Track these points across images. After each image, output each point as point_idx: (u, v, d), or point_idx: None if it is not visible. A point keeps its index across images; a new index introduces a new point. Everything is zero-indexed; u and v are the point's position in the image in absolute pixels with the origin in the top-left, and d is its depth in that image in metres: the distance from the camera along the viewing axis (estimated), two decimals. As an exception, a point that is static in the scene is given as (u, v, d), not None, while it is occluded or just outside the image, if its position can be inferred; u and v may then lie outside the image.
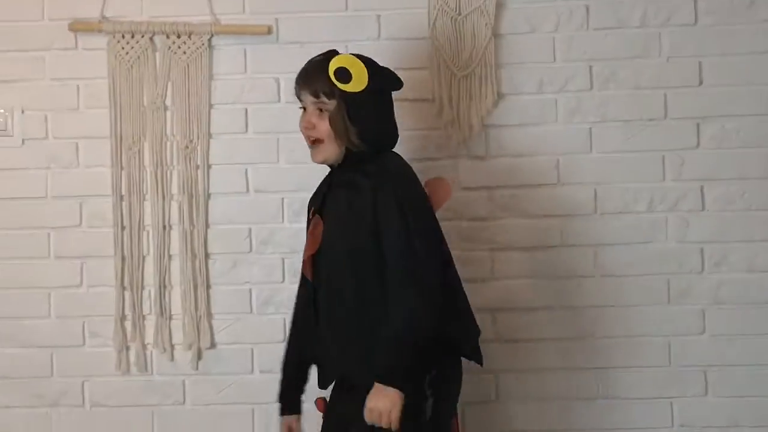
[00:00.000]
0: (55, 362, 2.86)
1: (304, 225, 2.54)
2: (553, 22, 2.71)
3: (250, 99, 2.83)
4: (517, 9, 2.71)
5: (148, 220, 2.85)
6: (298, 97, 2.37)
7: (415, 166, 2.57)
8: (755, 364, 2.63)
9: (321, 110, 2.31)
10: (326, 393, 2.36)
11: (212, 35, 2.79)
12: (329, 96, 2.29)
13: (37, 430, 2.84)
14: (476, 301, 2.60)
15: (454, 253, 2.64)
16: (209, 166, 2.84)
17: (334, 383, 2.35)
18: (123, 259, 2.85)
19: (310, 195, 2.48)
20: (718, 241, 2.64)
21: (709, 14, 2.65)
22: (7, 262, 2.87)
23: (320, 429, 2.39)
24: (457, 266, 2.47)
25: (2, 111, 2.86)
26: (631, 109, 2.67)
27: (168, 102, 2.85)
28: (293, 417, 2.43)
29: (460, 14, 2.69)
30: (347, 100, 2.28)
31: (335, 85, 2.28)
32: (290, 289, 2.71)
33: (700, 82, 2.63)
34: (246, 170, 2.84)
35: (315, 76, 2.33)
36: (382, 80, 2.32)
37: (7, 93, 2.87)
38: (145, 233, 2.87)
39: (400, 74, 2.42)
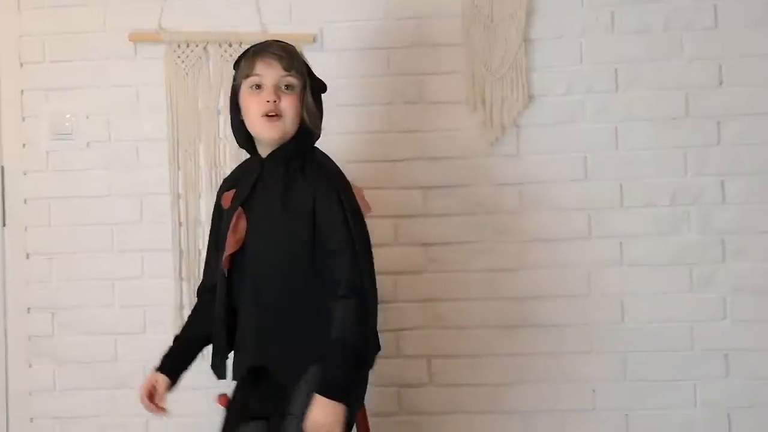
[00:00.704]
0: (118, 348, 2.96)
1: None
2: (580, 28, 2.78)
3: None
4: (546, 15, 2.78)
5: (203, 216, 2.90)
6: (249, 73, 2.25)
7: (449, 164, 2.70)
8: (773, 348, 2.71)
9: (286, 86, 2.25)
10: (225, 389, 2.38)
11: None
12: (300, 73, 2.26)
13: (103, 411, 2.95)
14: (506, 291, 2.74)
15: (486, 245, 2.78)
16: None
17: (241, 378, 2.26)
18: (180, 252, 2.93)
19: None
20: (738, 232, 2.71)
21: (728, 18, 2.71)
22: (74, 255, 2.96)
23: (223, 421, 2.29)
24: (489, 257, 2.61)
25: (68, 116, 2.95)
26: (655, 109, 2.73)
27: (221, 106, 2.91)
28: (163, 376, 2.33)
29: (492, 21, 2.76)
30: (312, 81, 2.30)
31: (306, 65, 2.29)
32: None
33: (720, 82, 2.70)
34: None
35: (291, 53, 2.29)
36: (321, 81, 2.33)
37: (72, 99, 2.97)
38: (200, 228, 2.92)
39: (435, 78, 2.58)
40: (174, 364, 2.35)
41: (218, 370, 2.27)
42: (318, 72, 2.80)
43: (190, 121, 2.93)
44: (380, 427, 2.74)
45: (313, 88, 2.29)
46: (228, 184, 2.37)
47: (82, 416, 2.96)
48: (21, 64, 2.97)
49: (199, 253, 2.90)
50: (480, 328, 2.76)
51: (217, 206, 2.37)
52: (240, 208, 2.23)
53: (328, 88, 2.58)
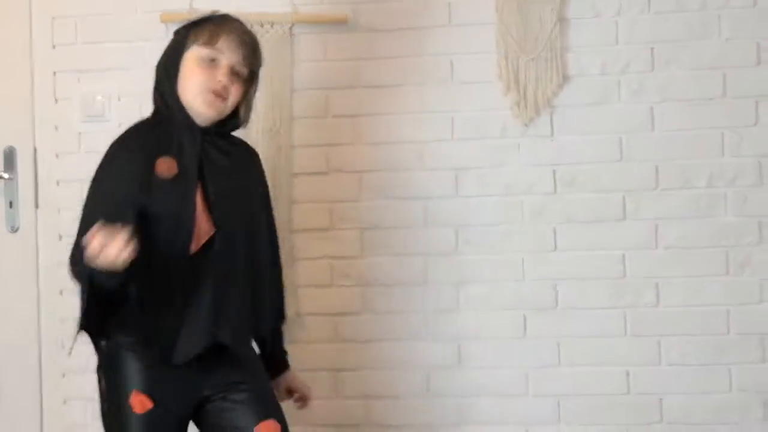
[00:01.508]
0: None
1: (379, 203, 2.68)
2: (616, 7, 2.74)
3: (329, 84, 2.88)
4: None
5: None
6: (209, 44, 2.18)
7: (480, 144, 2.69)
8: (811, 330, 2.68)
9: (237, 74, 2.21)
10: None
11: (293, 24, 2.84)
12: (254, 69, 2.26)
13: None
14: (542, 272, 2.72)
15: (520, 227, 2.76)
16: (292, 147, 2.89)
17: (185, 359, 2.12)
18: None
19: (386, 174, 2.64)
20: (777, 214, 2.68)
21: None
22: None
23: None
24: (524, 240, 2.60)
25: (100, 98, 2.94)
26: (691, 89, 2.70)
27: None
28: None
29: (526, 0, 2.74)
30: (256, 82, 2.30)
31: (259, 63, 2.28)
32: (364, 262, 2.83)
33: (758, 62, 2.66)
34: (327, 153, 2.89)
35: (255, 44, 2.27)
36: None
37: (104, 81, 2.95)
38: None
39: (468, 58, 2.62)
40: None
41: (169, 353, 2.10)
42: (349, 53, 2.85)
43: None
44: (408, 408, 2.78)
45: (256, 86, 2.30)
46: (153, 148, 2.17)
47: None
48: (54, 46, 2.96)
49: None
50: (512, 310, 2.75)
51: (139, 169, 2.14)
52: (199, 182, 2.13)
53: (362, 69, 2.61)
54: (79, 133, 2.96)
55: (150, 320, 2.09)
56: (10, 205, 2.97)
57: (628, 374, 2.74)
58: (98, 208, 2.12)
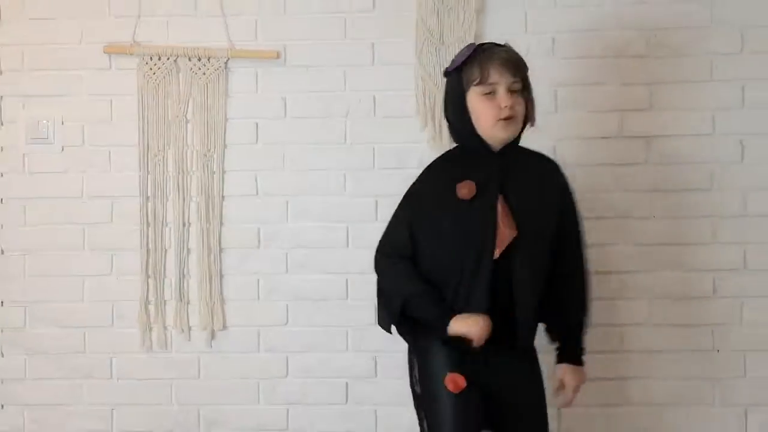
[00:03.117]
0: (87, 341, 3.09)
1: (305, 225, 2.84)
2: (525, 47, 2.80)
3: (260, 114, 3.03)
4: (494, 39, 2.76)
5: (170, 218, 3.06)
6: (482, 81, 2.32)
7: (400, 174, 2.80)
8: None
9: (513, 91, 2.34)
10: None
11: (228, 59, 3.02)
12: (523, 76, 2.38)
13: (71, 399, 3.07)
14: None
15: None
16: (224, 172, 3.05)
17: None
18: (148, 251, 3.06)
19: (314, 197, 2.84)
20: None
21: None
22: (47, 253, 3.09)
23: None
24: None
25: (45, 122, 3.07)
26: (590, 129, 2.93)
27: (189, 116, 3.06)
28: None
29: (443, 43, 2.95)
30: (529, 85, 2.42)
31: (525, 71, 2.40)
32: (292, 279, 3.00)
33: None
34: (256, 176, 3.05)
35: (518, 60, 2.39)
36: None
37: (49, 106, 3.08)
38: (167, 229, 3.07)
39: (388, 94, 2.75)
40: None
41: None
42: (278, 86, 3.01)
43: (159, 129, 3.07)
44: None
45: (529, 85, 2.41)
46: (451, 174, 2.39)
47: (51, 404, 3.09)
48: (1, 72, 3.08)
49: (165, 252, 3.05)
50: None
51: (440, 195, 2.38)
52: (502, 197, 2.33)
53: (291, 101, 2.81)
54: (24, 155, 3.09)
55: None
56: None
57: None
58: (402, 219, 2.45)
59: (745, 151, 2.93)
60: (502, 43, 2.43)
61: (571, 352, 2.46)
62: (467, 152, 2.43)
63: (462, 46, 2.88)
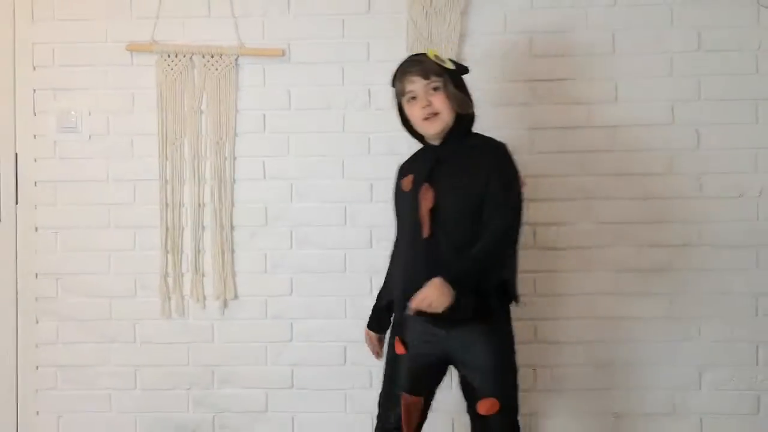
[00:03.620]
0: (112, 309, 3.26)
1: (307, 205, 3.03)
2: (502, 52, 3.15)
3: (267, 106, 3.21)
4: (476, 39, 3.15)
5: (186, 199, 3.22)
6: (404, 91, 2.56)
7: (392, 159, 2.86)
8: None
9: (433, 89, 2.54)
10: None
11: (238, 56, 3.19)
12: (437, 74, 2.54)
13: (99, 361, 3.27)
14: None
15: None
16: (235, 158, 3.22)
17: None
18: (167, 229, 3.22)
19: (315, 181, 3.01)
20: None
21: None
22: (76, 230, 3.26)
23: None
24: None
25: (73, 112, 3.24)
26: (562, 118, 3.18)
27: (203, 108, 3.22)
28: (375, 334, 2.76)
29: (431, 42, 3.13)
30: (450, 74, 2.56)
31: (439, 65, 2.55)
32: (296, 254, 3.19)
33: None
34: (263, 162, 3.23)
35: (423, 62, 2.55)
36: (460, 65, 2.61)
37: (77, 99, 3.25)
38: (184, 209, 3.23)
39: (382, 88, 2.81)
40: (380, 323, 2.76)
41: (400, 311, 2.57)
42: (283, 81, 3.18)
43: (176, 120, 3.22)
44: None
45: (454, 79, 2.57)
46: (403, 172, 2.68)
47: (81, 365, 3.28)
48: (34, 68, 3.26)
49: (182, 230, 3.23)
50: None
51: (396, 191, 2.69)
52: (426, 184, 2.51)
53: (295, 94, 2.99)
54: (54, 142, 3.27)
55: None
56: None
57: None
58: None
59: (700, 139, 3.14)
60: (423, 52, 2.63)
61: (452, 272, 2.41)
62: (420, 150, 2.70)
63: (448, 45, 3.14)
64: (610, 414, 3.19)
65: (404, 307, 2.47)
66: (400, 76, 2.60)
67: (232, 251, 3.25)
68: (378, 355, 2.78)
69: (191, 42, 3.24)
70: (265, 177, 3.26)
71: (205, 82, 3.23)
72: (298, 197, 3.23)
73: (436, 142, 2.62)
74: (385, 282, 2.77)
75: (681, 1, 3.15)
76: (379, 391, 2.68)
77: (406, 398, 2.60)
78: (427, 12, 3.19)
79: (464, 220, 2.49)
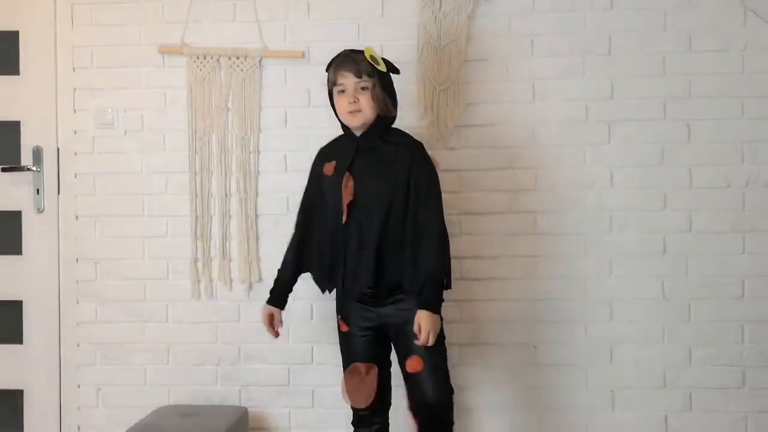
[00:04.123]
0: (146, 291, 3.45)
1: None
2: (506, 51, 3.32)
3: (288, 104, 3.37)
4: (480, 41, 3.33)
5: (214, 190, 3.39)
6: (335, 82, 2.75)
7: None
8: None
9: (362, 88, 2.73)
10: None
11: (262, 57, 3.36)
12: (369, 75, 2.73)
13: (134, 338, 3.46)
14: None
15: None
16: (259, 152, 3.38)
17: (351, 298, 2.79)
18: (196, 218, 3.39)
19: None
20: None
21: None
22: (113, 218, 3.45)
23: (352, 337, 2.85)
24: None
25: (110, 110, 3.43)
26: (562, 116, 3.33)
27: (229, 105, 3.37)
28: (276, 309, 2.92)
29: (441, 45, 3.31)
30: (380, 77, 2.75)
31: (372, 66, 2.74)
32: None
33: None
34: (285, 155, 3.38)
35: (358, 62, 2.74)
36: (392, 66, 2.82)
37: (114, 97, 3.43)
38: (212, 199, 3.39)
39: (396, 87, 2.90)
40: (280, 297, 2.95)
41: (328, 289, 2.88)
42: (303, 80, 3.33)
43: (205, 116, 3.39)
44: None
45: (383, 81, 2.77)
46: (324, 157, 2.88)
47: (117, 343, 3.48)
48: (74, 69, 3.46)
49: (211, 218, 3.40)
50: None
51: (317, 174, 2.87)
52: (347, 173, 2.73)
53: (314, 92, 3.15)
54: (93, 137, 3.47)
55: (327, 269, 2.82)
56: (37, 191, 3.49)
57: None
58: (302, 200, 2.96)
59: (690, 134, 3.33)
60: (362, 49, 2.82)
61: (425, 300, 2.70)
62: (342, 137, 2.89)
63: (456, 47, 3.31)
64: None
65: (341, 286, 2.79)
66: (334, 68, 2.78)
67: (257, 238, 3.43)
68: (276, 334, 2.96)
69: (218, 45, 3.41)
70: (286, 169, 3.43)
71: (231, 82, 3.40)
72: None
73: (357, 133, 2.81)
74: (286, 259, 2.94)
75: (673, 5, 3.33)
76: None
77: (356, 367, 2.86)
78: (436, 17, 3.37)
79: (381, 208, 2.71)
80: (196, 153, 3.43)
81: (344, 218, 2.74)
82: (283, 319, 2.98)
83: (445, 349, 2.86)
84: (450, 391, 2.82)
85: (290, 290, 2.97)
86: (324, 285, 2.90)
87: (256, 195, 3.44)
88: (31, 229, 3.52)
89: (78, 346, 3.53)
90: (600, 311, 3.39)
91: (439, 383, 2.79)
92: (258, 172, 3.44)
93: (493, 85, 3.36)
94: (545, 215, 3.37)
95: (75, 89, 3.50)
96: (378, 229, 2.72)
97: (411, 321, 2.73)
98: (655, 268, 3.36)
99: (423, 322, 2.69)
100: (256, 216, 3.44)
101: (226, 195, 3.43)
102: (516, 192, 3.38)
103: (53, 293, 3.53)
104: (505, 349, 3.41)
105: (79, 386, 3.54)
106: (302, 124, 3.40)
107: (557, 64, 3.36)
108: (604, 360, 3.39)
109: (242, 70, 3.41)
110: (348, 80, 2.73)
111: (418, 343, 2.71)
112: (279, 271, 2.98)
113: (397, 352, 2.87)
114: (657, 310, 3.36)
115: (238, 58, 3.40)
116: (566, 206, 3.37)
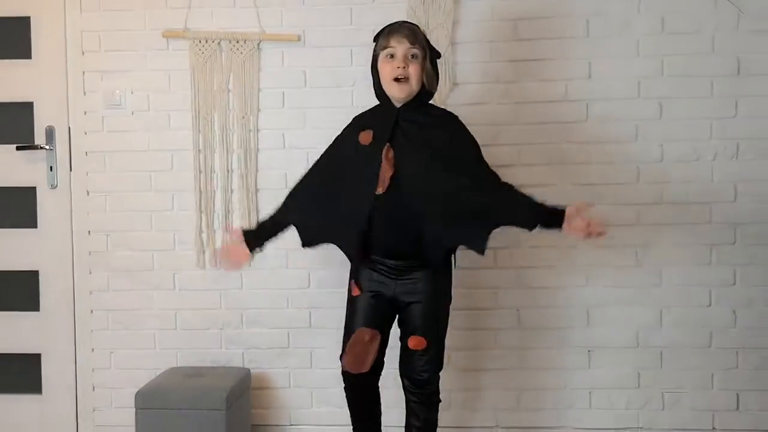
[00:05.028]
0: (154, 261, 3.62)
1: None
2: (492, 32, 3.47)
3: (285, 85, 3.51)
4: (467, 24, 3.49)
5: (217, 166, 3.53)
6: (386, 45, 2.66)
7: None
8: None
9: (412, 56, 2.68)
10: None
11: (260, 41, 3.50)
12: (422, 47, 2.69)
13: (144, 305, 3.64)
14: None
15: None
16: (258, 130, 3.53)
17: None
18: (200, 192, 3.54)
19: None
20: None
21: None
22: (123, 193, 3.61)
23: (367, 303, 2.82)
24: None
25: (118, 91, 3.58)
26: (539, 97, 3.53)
27: (230, 87, 3.51)
28: (243, 243, 2.85)
29: (428, 27, 3.42)
30: (431, 52, 2.74)
31: (426, 40, 2.75)
32: None
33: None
34: (283, 133, 3.53)
35: (415, 31, 2.71)
36: (436, 50, 2.82)
37: (121, 79, 3.59)
38: (215, 175, 3.53)
39: None
40: (256, 236, 2.89)
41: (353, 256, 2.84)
42: (299, 63, 3.48)
43: (207, 97, 3.53)
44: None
45: (431, 57, 2.73)
46: (360, 125, 2.79)
47: (128, 309, 3.67)
48: (83, 53, 3.61)
49: (214, 193, 3.54)
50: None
51: (349, 140, 2.78)
52: (388, 144, 2.67)
53: (309, 74, 3.30)
54: (102, 117, 3.63)
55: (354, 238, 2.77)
56: (51, 168, 3.65)
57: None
58: (320, 161, 2.89)
59: (662, 111, 3.51)
60: (414, 22, 2.85)
61: (553, 211, 2.71)
62: (379, 107, 2.82)
63: (443, 31, 3.45)
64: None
65: (363, 255, 2.78)
66: (387, 32, 2.72)
67: (257, 211, 3.58)
68: (236, 263, 2.90)
69: (219, 29, 3.56)
70: (284, 147, 3.58)
71: (231, 64, 3.54)
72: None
73: (398, 104, 2.75)
74: (283, 208, 2.91)
75: None
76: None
77: (361, 331, 2.86)
78: (424, 1, 3.52)
79: (419, 178, 2.68)
80: (199, 132, 3.57)
81: (382, 189, 2.69)
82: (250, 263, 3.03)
83: (447, 326, 2.94)
84: (440, 367, 2.91)
85: (267, 234, 2.90)
86: (352, 253, 2.86)
87: (256, 171, 3.59)
88: (45, 204, 3.69)
89: (91, 312, 3.71)
90: (577, 277, 3.59)
91: (434, 362, 2.87)
92: (258, 150, 3.58)
93: (478, 66, 3.53)
94: (528, 189, 3.41)
95: (84, 72, 3.64)
96: (417, 202, 2.68)
97: (421, 300, 2.81)
98: (629, 237, 3.55)
99: (576, 215, 2.68)
100: (256, 190, 3.59)
101: (228, 171, 3.57)
102: (500, 168, 3.36)
103: (67, 264, 3.70)
104: (492, 314, 3.62)
105: (93, 350, 3.73)
106: (299, 104, 3.55)
107: (538, 46, 3.53)
108: (582, 322, 3.61)
109: (242, 53, 3.54)
110: (402, 45, 2.67)
111: (585, 224, 2.67)
112: (271, 214, 2.95)
113: (401, 327, 2.90)
114: (631, 275, 3.55)
115: (237, 42, 3.53)
116: (548, 180, 3.55)
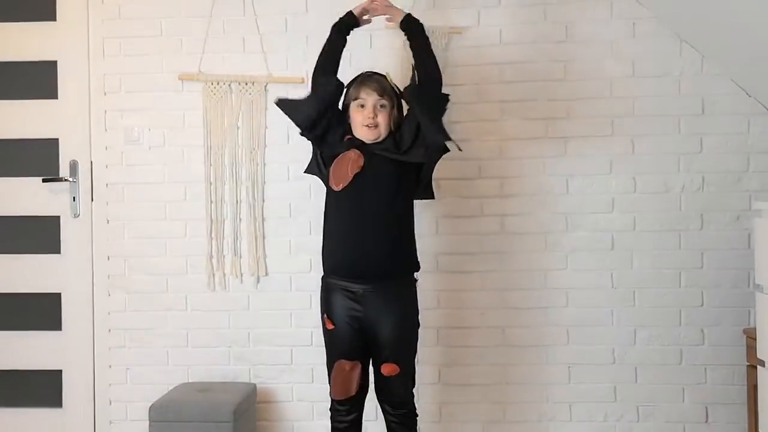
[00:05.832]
0: (168, 284, 3.79)
1: (322, 201, 3.19)
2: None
3: (290, 122, 3.38)
4: (454, 69, 3.67)
5: (227, 197, 3.70)
6: (357, 96, 2.87)
7: None
8: None
9: (381, 106, 2.88)
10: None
11: (267, 83, 3.70)
12: (390, 97, 2.90)
13: (158, 324, 3.81)
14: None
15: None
16: (265, 164, 3.72)
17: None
18: (211, 220, 3.72)
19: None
20: None
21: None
22: (140, 222, 3.79)
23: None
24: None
25: (136, 128, 3.79)
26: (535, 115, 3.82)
27: (239, 124, 3.70)
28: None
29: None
30: (398, 101, 2.93)
31: (393, 90, 2.95)
32: (313, 239, 3.58)
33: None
34: (288, 167, 3.70)
35: (383, 84, 2.91)
36: (401, 90, 2.99)
37: (140, 117, 3.79)
38: (225, 205, 3.70)
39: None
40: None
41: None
42: None
43: (218, 133, 3.72)
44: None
45: (398, 104, 2.94)
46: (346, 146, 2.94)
47: (143, 328, 3.83)
48: (105, 93, 3.83)
49: (224, 221, 3.72)
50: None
51: (342, 112, 2.99)
52: (358, 151, 2.90)
53: None
54: (122, 152, 3.83)
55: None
56: (74, 199, 3.86)
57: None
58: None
59: (634, 147, 3.75)
60: (384, 74, 3.06)
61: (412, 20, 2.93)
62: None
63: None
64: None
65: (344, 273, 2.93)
66: (358, 84, 2.93)
67: (264, 237, 3.76)
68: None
69: (230, 72, 3.76)
70: (289, 179, 3.76)
71: (241, 104, 3.74)
72: (315, 195, 3.68)
73: (368, 142, 2.98)
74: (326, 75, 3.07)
75: (618, 38, 3.75)
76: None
77: (341, 363, 2.98)
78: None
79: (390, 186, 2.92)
80: (210, 165, 3.75)
81: (341, 186, 2.90)
82: None
83: (416, 347, 3.07)
84: (413, 384, 3.06)
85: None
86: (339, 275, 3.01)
87: (263, 201, 3.77)
88: (68, 232, 3.87)
89: (109, 331, 3.87)
90: (558, 299, 3.80)
91: (407, 384, 3.02)
92: (264, 182, 3.77)
93: (466, 107, 3.74)
94: (511, 218, 3.78)
95: (106, 111, 3.85)
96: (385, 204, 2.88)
97: (391, 325, 2.92)
98: (604, 261, 3.77)
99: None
100: (263, 219, 3.77)
101: (237, 201, 3.74)
102: (485, 198, 3.78)
103: (88, 286, 3.88)
104: (479, 333, 3.82)
105: (110, 366, 3.89)
106: (302, 140, 3.47)
107: (521, 88, 3.76)
108: (562, 341, 3.81)
109: (250, 93, 3.75)
110: (371, 97, 2.88)
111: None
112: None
113: (372, 354, 2.99)
114: (606, 297, 3.75)
115: (246, 84, 3.74)
116: (529, 210, 3.77)
